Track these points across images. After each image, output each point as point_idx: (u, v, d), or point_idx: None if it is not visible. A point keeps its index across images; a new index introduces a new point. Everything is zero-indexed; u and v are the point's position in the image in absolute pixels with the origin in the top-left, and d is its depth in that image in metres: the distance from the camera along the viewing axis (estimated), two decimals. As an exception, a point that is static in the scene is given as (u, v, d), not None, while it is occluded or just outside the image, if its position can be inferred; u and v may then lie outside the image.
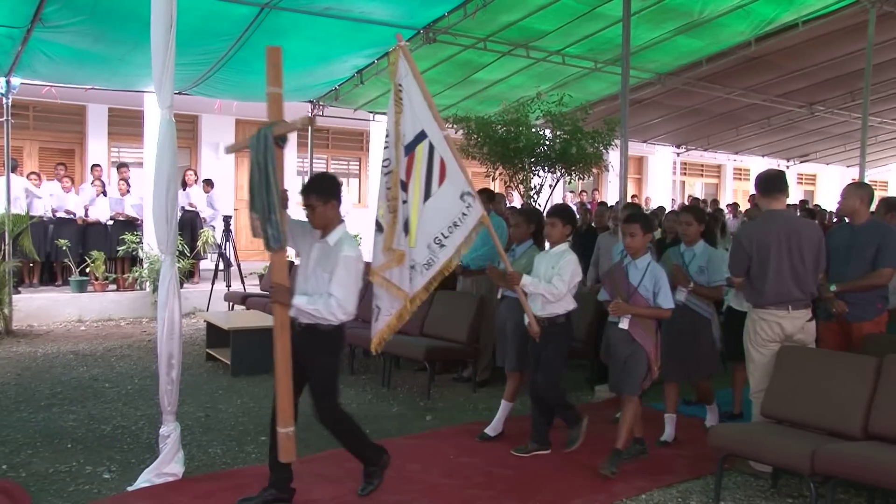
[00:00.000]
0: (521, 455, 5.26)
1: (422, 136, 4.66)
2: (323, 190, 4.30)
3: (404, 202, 4.62)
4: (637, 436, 5.25)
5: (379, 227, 4.68)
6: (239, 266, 11.57)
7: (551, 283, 5.18)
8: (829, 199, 22.14)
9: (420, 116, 4.67)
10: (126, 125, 14.38)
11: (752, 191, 19.40)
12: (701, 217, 5.86)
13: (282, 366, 4.14)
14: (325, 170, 17.12)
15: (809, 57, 12.57)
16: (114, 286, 11.62)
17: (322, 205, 4.25)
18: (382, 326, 4.66)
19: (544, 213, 5.83)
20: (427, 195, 4.66)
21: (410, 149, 4.66)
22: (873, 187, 6.02)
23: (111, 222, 12.02)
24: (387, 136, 4.72)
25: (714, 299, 5.77)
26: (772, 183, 5.10)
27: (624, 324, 4.96)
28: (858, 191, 5.50)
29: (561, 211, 5.56)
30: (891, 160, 22.42)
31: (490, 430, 5.69)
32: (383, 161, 4.75)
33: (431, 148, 4.65)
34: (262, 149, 4.22)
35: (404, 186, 4.65)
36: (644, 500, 4.58)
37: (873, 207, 6.67)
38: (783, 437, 4.44)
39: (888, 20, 10.44)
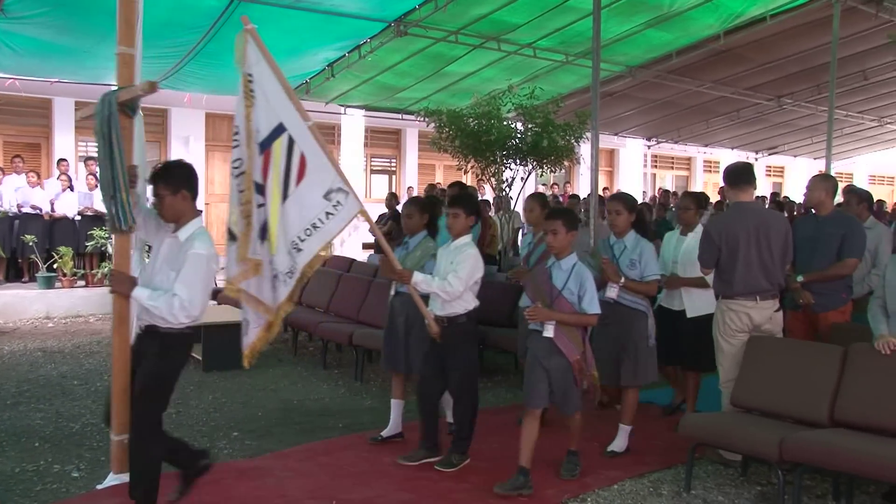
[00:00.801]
0: (409, 464, 4.92)
1: (280, 129, 4.19)
2: (172, 178, 3.91)
3: (260, 206, 4.17)
4: (525, 465, 4.56)
5: (231, 236, 4.21)
6: (210, 261, 11.46)
7: (447, 280, 4.73)
8: (797, 190, 22.44)
9: (277, 108, 4.19)
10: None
11: (722, 183, 19.63)
12: (632, 206, 5.30)
13: (118, 364, 3.98)
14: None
15: (777, 50, 12.73)
16: (82, 282, 11.47)
17: (171, 195, 3.88)
18: (253, 339, 4.30)
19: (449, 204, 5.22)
20: (285, 196, 4.18)
21: (266, 145, 4.18)
22: (838, 179, 6.12)
23: (79, 217, 11.85)
24: (235, 133, 4.20)
25: (647, 295, 5.25)
26: (740, 175, 5.16)
27: (548, 331, 4.50)
28: (823, 182, 5.59)
29: (464, 200, 5.05)
30: (855, 153, 22.78)
31: (386, 433, 5.43)
32: (233, 162, 4.23)
33: (291, 142, 4.19)
34: (105, 116, 3.92)
35: (260, 189, 4.16)
36: (616, 490, 4.62)
37: (840, 199, 6.80)
38: (752, 426, 4.50)
39: (852, 15, 10.61)
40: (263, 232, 4.18)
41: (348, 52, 11.00)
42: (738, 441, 4.46)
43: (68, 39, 9.09)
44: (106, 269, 11.36)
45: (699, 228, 5.55)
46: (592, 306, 4.50)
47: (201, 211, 4.11)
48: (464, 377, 4.89)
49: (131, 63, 4.04)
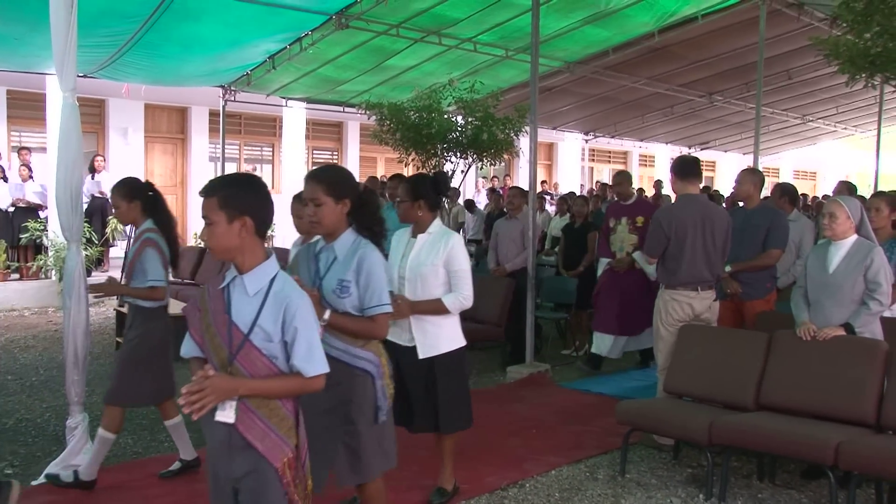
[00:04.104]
0: None
1: None
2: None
3: None
4: None
5: None
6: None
7: None
8: (727, 184, 23.09)
9: None
10: (27, 108, 13.75)
11: (657, 177, 20.04)
12: (341, 190, 3.19)
13: None
14: (237, 156, 16.80)
15: (708, 49, 13.11)
16: (17, 275, 11.16)
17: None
18: None
19: None
20: None
21: None
22: (766, 174, 6.39)
23: (12, 209, 11.51)
24: None
25: (371, 338, 3.24)
26: (689, 168, 5.33)
27: (226, 413, 2.44)
28: (751, 176, 5.83)
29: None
30: (781, 148, 23.56)
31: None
32: None
33: None
34: None
35: None
36: (554, 476, 4.75)
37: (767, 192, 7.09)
38: (684, 412, 4.69)
39: (777, 17, 11.04)
40: None
41: (289, 45, 10.92)
42: (670, 426, 4.65)
43: (-2, 26, 8.82)
44: (41, 262, 11.07)
45: (435, 226, 4.06)
46: (312, 362, 2.46)
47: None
48: None
49: None
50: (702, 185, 19.87)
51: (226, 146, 13.50)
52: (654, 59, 13.39)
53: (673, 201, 5.63)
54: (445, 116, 10.68)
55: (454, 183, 11.18)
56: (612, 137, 20.77)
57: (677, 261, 5.15)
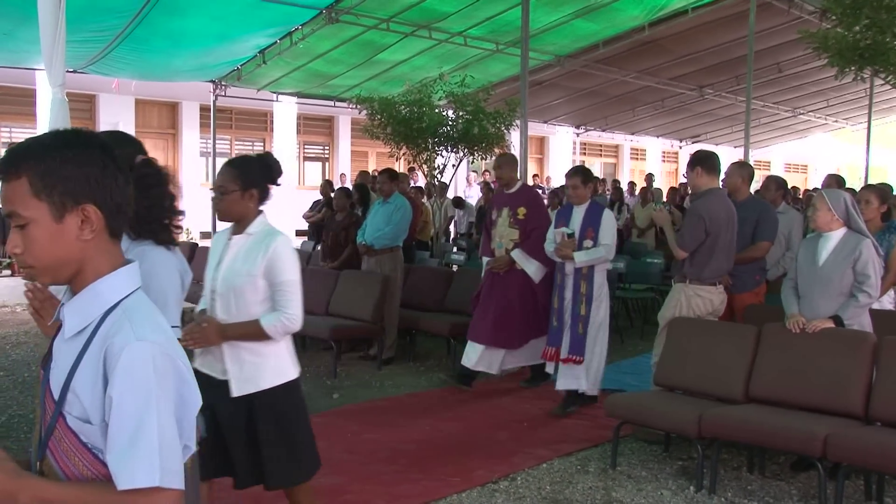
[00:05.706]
0: None
1: None
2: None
3: None
4: None
5: None
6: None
7: None
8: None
9: None
10: (16, 104, 13.73)
11: (648, 170, 20.00)
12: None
13: None
14: (228, 151, 16.78)
15: (698, 42, 13.15)
16: (8, 271, 11.12)
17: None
18: None
19: None
20: None
21: None
22: (756, 167, 6.41)
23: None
24: None
25: None
26: (714, 161, 5.30)
27: None
28: (740, 170, 5.85)
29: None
30: (772, 141, 23.64)
31: None
32: None
33: None
34: None
35: None
36: (545, 469, 4.76)
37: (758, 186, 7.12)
38: (673, 404, 4.70)
39: (767, 10, 11.07)
40: None
41: (280, 39, 10.92)
42: (660, 419, 4.65)
43: (-15, 22, 8.78)
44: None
45: (257, 225, 3.07)
46: (132, 462, 1.36)
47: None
48: None
49: None
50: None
51: (217, 141, 13.49)
52: (645, 53, 13.43)
53: (700, 195, 5.42)
54: (436, 110, 10.71)
55: (445, 176, 11.20)
56: (603, 131, 20.82)
57: (708, 256, 5.10)
